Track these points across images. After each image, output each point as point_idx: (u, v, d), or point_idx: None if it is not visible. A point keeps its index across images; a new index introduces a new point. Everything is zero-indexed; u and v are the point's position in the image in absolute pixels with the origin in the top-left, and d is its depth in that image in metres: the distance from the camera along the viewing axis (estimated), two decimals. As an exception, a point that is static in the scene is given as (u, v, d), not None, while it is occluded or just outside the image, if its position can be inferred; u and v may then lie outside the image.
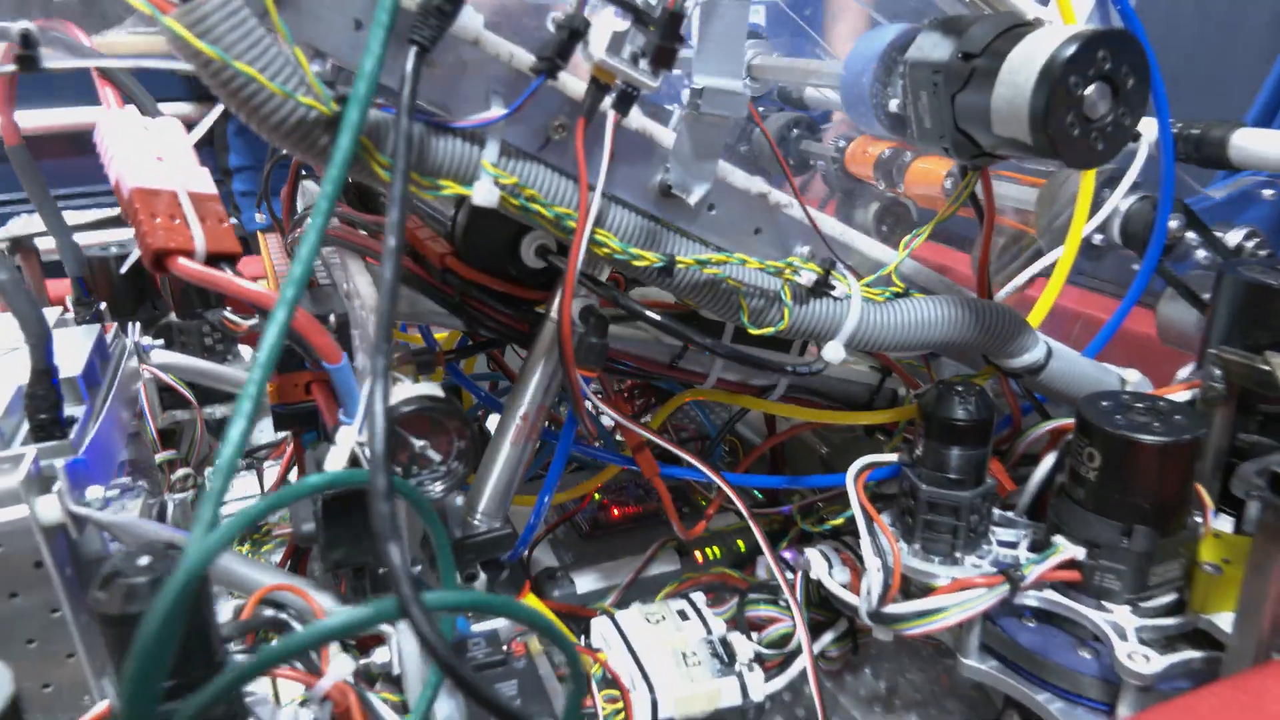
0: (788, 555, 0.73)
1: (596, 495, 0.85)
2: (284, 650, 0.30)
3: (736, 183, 0.54)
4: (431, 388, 0.51)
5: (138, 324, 0.86)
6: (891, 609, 0.59)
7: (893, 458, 0.63)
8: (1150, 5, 0.67)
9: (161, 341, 0.88)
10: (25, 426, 0.58)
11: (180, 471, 0.93)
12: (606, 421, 0.89)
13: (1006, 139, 0.49)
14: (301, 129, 0.40)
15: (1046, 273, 0.67)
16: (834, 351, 0.56)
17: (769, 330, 0.55)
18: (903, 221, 1.06)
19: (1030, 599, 0.58)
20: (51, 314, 0.76)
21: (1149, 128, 0.65)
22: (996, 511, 0.64)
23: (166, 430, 1.02)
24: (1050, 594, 0.58)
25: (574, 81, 0.48)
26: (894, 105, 0.56)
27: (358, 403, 0.52)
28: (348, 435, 0.52)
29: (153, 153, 0.55)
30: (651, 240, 0.52)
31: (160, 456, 0.92)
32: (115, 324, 0.79)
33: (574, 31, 0.44)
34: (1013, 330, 0.59)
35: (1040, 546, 0.59)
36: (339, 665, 0.54)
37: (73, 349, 0.66)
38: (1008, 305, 0.60)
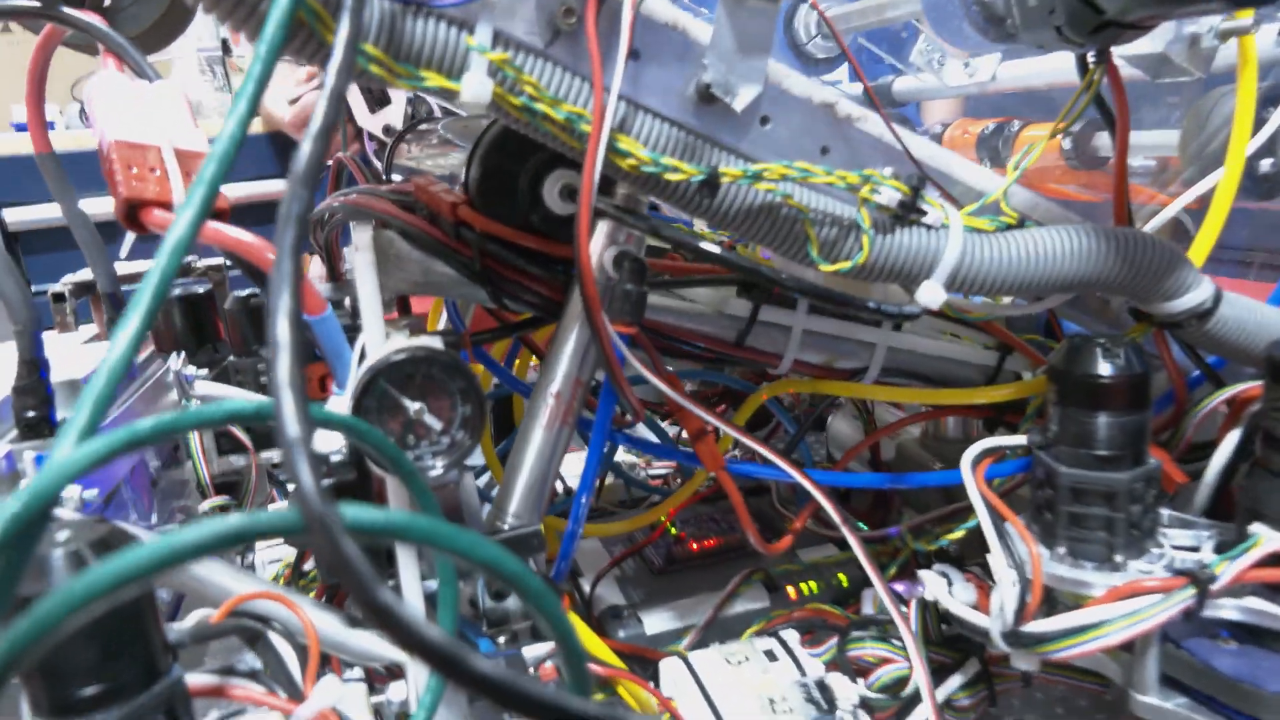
0: (900, 588, 0.60)
1: (671, 528, 0.73)
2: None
3: (795, 89, 0.45)
4: (431, 340, 0.42)
5: (182, 353, 0.82)
6: (1033, 627, 0.45)
7: (1020, 440, 0.50)
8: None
9: (205, 371, 0.83)
10: (14, 433, 0.52)
11: (232, 519, 0.87)
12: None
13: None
14: (236, -13, 0.34)
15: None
16: (931, 293, 0.45)
17: (844, 266, 0.44)
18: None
19: (1227, 609, 0.43)
20: (86, 332, 0.72)
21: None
22: (1166, 512, 0.50)
23: (227, 483, 0.97)
24: (1254, 602, 0.43)
25: (584, -38, 0.40)
26: (988, -8, 0.46)
27: (349, 368, 0.44)
28: (340, 407, 0.44)
29: (144, 111, 0.50)
30: (690, 156, 0.43)
31: (208, 503, 0.86)
32: (153, 348, 0.75)
33: (574, -118, 0.37)
34: (1166, 262, 0.46)
35: (1230, 547, 0.45)
36: (324, 691, 0.44)
37: (88, 356, 0.61)
38: (1155, 235, 0.47)
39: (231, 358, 0.95)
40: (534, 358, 0.68)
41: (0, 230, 1.35)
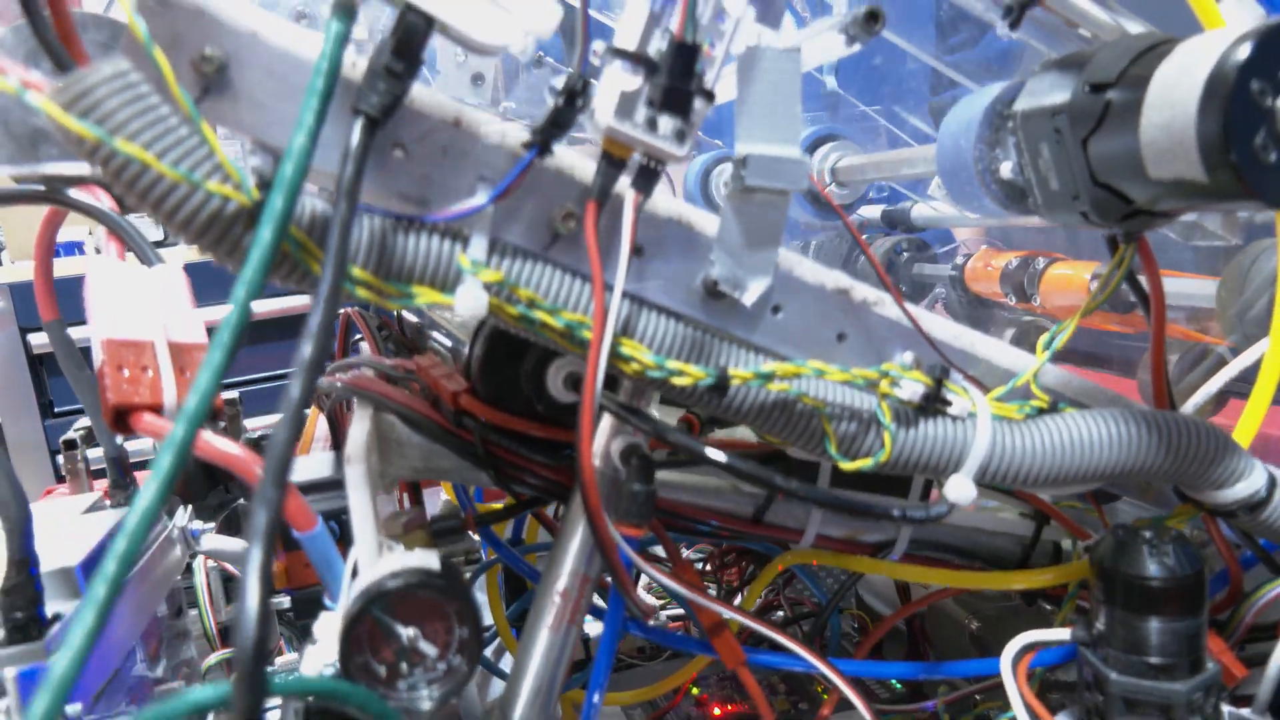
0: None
1: (693, 689, 0.69)
2: None
3: (806, 276, 0.43)
4: (427, 558, 0.39)
5: (189, 508, 0.80)
6: None
7: (1064, 634, 0.46)
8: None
9: (213, 525, 0.81)
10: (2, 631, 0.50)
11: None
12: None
13: (1170, 182, 0.36)
14: (216, 225, 0.32)
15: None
16: (960, 489, 0.42)
17: (865, 463, 0.41)
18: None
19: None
20: (92, 496, 0.71)
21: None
22: (1227, 709, 0.46)
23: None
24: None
25: (582, 161, 0.39)
26: (1006, 170, 0.44)
27: (340, 581, 0.42)
28: (330, 626, 0.41)
29: (139, 301, 0.49)
30: (698, 353, 0.41)
31: (214, 657, 0.83)
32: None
33: (571, 94, 0.35)
34: (1214, 449, 0.43)
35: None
36: None
37: (84, 535, 0.59)
38: (1202, 420, 0.44)
39: (242, 500, 0.93)
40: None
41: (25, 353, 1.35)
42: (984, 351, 0.46)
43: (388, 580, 0.38)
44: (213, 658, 0.84)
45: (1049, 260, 0.73)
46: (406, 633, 0.38)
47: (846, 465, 0.42)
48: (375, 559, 0.40)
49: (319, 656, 0.42)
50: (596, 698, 0.48)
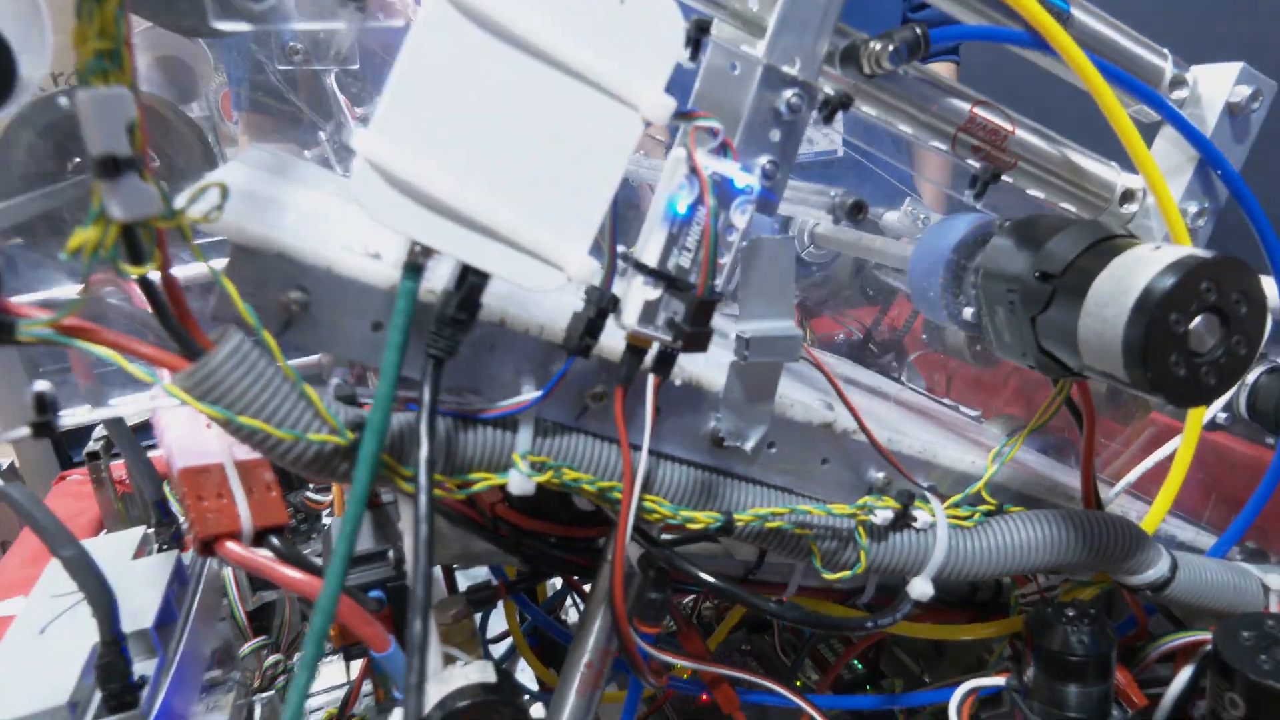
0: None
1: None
2: None
3: (796, 417, 0.50)
4: (484, 671, 0.47)
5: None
6: None
7: (1000, 681, 0.57)
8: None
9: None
10: (98, 695, 0.58)
11: (271, 659, 0.93)
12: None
13: (1098, 369, 0.44)
14: (320, 462, 0.39)
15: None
16: (921, 588, 0.51)
17: (844, 575, 0.50)
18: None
19: None
20: (137, 532, 0.77)
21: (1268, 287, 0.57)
22: (1129, 731, 0.57)
23: (261, 608, 1.03)
24: None
25: (609, 342, 0.45)
26: (968, 314, 0.51)
27: (410, 683, 0.50)
28: None
29: (204, 418, 0.55)
30: (707, 493, 0.48)
31: (249, 646, 0.92)
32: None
33: (601, 311, 0.41)
34: (1128, 546, 0.52)
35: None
36: None
37: (147, 589, 0.67)
38: (1121, 517, 0.53)
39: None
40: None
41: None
42: (944, 460, 0.54)
43: (456, 699, 0.46)
44: (246, 647, 0.93)
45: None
46: (471, 736, 0.47)
47: (829, 576, 0.50)
48: (439, 669, 0.48)
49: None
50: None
